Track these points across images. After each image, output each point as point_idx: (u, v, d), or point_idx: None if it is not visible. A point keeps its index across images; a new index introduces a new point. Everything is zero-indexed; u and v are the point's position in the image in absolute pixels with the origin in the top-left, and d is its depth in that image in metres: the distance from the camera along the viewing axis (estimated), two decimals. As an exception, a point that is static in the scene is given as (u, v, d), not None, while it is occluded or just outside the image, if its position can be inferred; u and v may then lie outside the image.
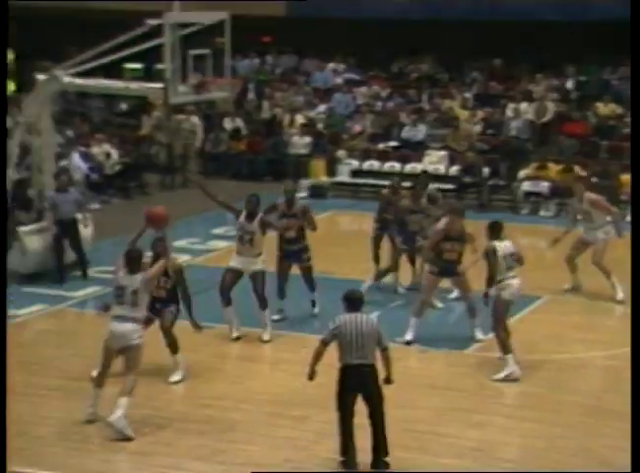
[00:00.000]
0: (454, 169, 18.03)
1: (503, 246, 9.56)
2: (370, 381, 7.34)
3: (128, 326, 8.14)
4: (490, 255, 9.44)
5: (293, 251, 10.81)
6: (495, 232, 9.60)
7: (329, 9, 21.77)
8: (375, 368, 7.40)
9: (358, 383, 7.32)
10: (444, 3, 20.99)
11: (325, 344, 7.39)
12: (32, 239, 12.13)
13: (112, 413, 8.01)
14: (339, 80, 21.95)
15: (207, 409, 8.64)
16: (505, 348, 9.40)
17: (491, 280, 9.43)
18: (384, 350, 7.43)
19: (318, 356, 7.41)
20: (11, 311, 10.96)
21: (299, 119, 19.95)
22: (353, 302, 7.45)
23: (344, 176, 18.61)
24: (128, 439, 7.94)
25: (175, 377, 9.20)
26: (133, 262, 8.20)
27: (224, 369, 9.64)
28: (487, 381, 9.33)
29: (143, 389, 8.70)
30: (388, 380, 7.53)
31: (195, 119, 19.19)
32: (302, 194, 18.11)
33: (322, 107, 20.58)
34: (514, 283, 9.51)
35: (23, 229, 12.15)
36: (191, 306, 9.11)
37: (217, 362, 9.76)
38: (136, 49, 11.98)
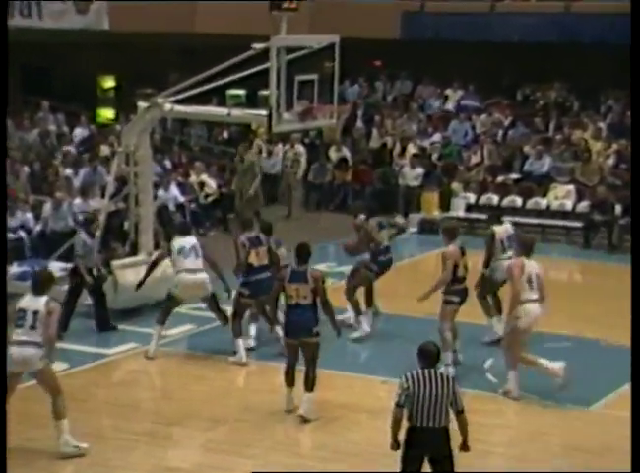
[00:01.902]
0: (582, 206, 17.81)
1: (502, 230, 11.66)
2: (441, 445, 7.06)
3: (30, 351, 8.38)
4: (489, 239, 11.58)
5: None
6: (496, 218, 12.03)
7: (446, 31, 21.86)
8: (448, 431, 7.12)
9: (427, 447, 7.05)
10: (578, 23, 20.77)
11: (400, 406, 7.08)
12: (125, 274, 12.46)
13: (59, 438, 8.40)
14: (455, 107, 21.97)
15: (303, 459, 8.74)
16: (488, 312, 11.71)
17: (487, 262, 11.55)
18: (459, 412, 7.12)
19: (397, 422, 7.12)
20: (101, 350, 11.35)
21: (411, 149, 20.06)
22: (427, 356, 7.16)
23: (458, 211, 18.57)
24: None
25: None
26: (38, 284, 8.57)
27: (322, 416, 9.70)
28: (614, 442, 9.14)
29: (239, 436, 8.86)
30: (465, 447, 7.21)
31: (300, 148, 19.53)
32: (412, 229, 18.22)
33: (437, 136, 20.64)
34: (506, 264, 10.88)
35: (116, 262, 12.50)
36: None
37: (316, 409, 9.84)
38: (240, 75, 12.31)
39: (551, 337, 11.78)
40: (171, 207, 16.78)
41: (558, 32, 21.03)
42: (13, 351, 8.39)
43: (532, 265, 10.09)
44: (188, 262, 11.01)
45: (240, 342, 10.97)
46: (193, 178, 18.22)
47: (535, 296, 10.03)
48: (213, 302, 11.27)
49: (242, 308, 11.21)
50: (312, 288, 9.17)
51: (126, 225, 13.54)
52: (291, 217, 18.68)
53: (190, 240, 11.16)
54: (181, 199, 17.28)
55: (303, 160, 19.50)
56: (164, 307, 11.31)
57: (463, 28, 21.71)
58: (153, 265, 11.55)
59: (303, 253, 9.37)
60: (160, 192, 16.56)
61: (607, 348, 10.95)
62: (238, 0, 20.83)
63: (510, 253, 11.38)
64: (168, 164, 18.69)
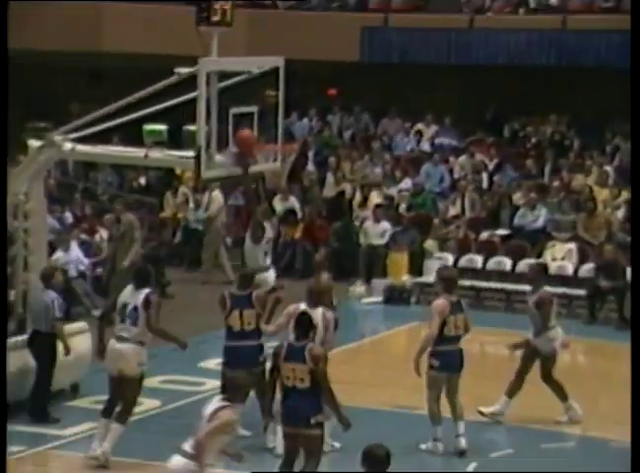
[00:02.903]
0: (586, 269, 17.96)
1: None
2: None
3: None
4: (545, 302, 11.99)
5: None
6: (543, 272, 12.66)
7: (415, 51, 22.10)
8: None
9: None
10: (578, 42, 21.08)
11: None
12: (8, 358, 12.15)
13: None
14: (429, 146, 22.15)
15: None
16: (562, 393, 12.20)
17: (540, 330, 12.03)
18: None
19: None
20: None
21: (375, 198, 20.15)
22: (372, 462, 7.08)
23: (433, 275, 18.58)
24: None
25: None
26: None
27: None
28: None
29: None
30: None
31: (216, 194, 19.56)
32: (376, 298, 18.20)
33: (406, 183, 20.77)
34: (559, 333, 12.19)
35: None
36: None
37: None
38: (160, 106, 12.31)
39: (550, 435, 11.77)
40: (72, 272, 16.62)
41: (554, 52, 21.34)
42: None
43: (315, 314, 10.46)
44: (119, 326, 10.84)
45: None
46: (101, 236, 18.10)
47: None
48: (131, 387, 10.93)
49: (225, 380, 11.09)
50: (310, 369, 9.19)
51: (12, 295, 13.33)
52: (216, 282, 18.43)
53: (138, 296, 10.86)
54: (85, 262, 17.14)
55: (214, 207, 19.52)
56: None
57: (436, 47, 21.96)
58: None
59: (303, 325, 9.41)
60: (59, 253, 16.41)
61: (618, 450, 10.93)
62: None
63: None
64: (69, 217, 18.58)
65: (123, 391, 10.92)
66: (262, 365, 11.17)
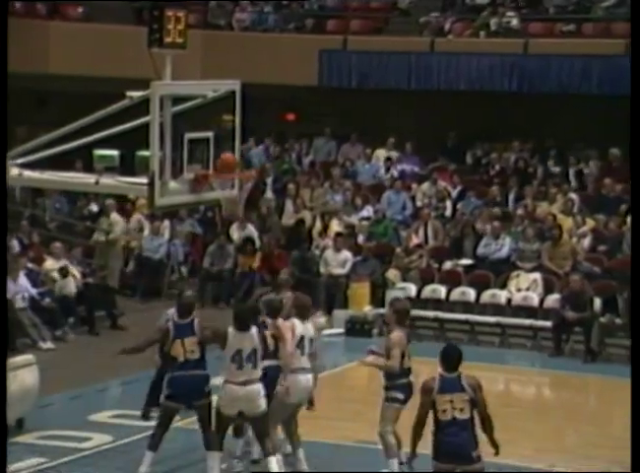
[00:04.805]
0: (552, 299, 18.00)
1: None
2: None
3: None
4: None
5: None
6: None
7: (375, 75, 22.21)
8: None
9: None
10: (541, 67, 21.24)
11: None
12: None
13: None
14: (391, 173, 22.24)
15: None
16: None
17: None
18: None
19: None
20: None
21: (335, 227, 20.18)
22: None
23: (386, 308, 18.61)
24: None
25: None
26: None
27: None
28: None
29: None
30: None
31: (114, 215, 19.61)
32: (337, 330, 18.18)
33: (367, 211, 20.82)
34: None
35: None
36: None
37: None
38: (111, 131, 12.27)
39: (515, 471, 11.77)
40: (20, 303, 16.54)
41: (516, 77, 21.49)
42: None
43: (306, 328, 11.24)
44: (238, 372, 10.71)
45: (148, 456, 10.95)
46: (49, 264, 18.00)
47: (307, 365, 11.24)
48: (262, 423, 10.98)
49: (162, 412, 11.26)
50: (469, 399, 9.37)
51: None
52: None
53: (251, 338, 10.73)
54: (32, 292, 17.05)
55: (117, 230, 19.60)
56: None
57: (396, 71, 22.05)
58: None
59: (452, 359, 9.56)
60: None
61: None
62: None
63: None
64: (15, 245, 18.45)
65: (256, 431, 10.98)
66: (207, 397, 11.16)
